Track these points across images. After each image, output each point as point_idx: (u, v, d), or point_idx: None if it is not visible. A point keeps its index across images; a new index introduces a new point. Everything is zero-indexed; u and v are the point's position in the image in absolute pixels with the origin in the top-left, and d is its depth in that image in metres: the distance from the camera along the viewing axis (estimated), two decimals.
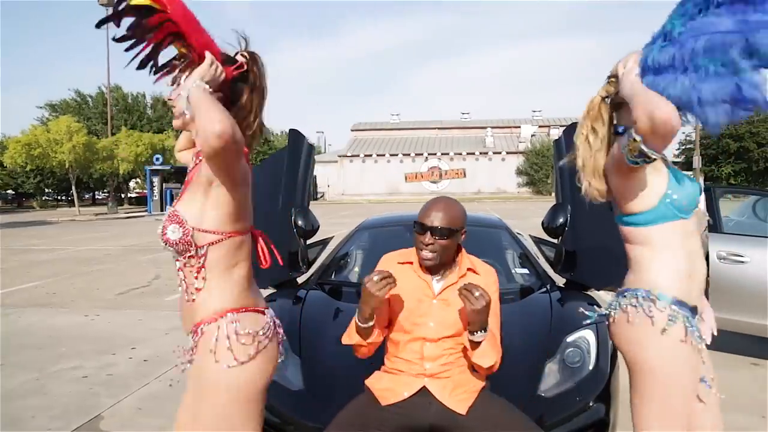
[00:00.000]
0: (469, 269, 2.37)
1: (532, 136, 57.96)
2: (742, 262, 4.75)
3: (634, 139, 1.75)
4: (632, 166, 1.85)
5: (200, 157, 1.77)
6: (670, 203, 1.93)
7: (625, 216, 2.01)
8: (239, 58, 1.91)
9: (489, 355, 2.21)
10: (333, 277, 4.13)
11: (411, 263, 2.39)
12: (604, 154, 2.03)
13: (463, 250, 2.42)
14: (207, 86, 1.73)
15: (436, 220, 2.28)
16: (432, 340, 2.28)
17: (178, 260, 1.87)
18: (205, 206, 1.80)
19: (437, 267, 2.34)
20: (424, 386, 2.26)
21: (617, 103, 2.02)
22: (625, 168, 1.90)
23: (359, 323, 2.22)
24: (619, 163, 1.91)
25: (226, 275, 1.85)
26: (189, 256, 1.83)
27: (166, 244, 1.82)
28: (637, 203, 1.96)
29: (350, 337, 2.30)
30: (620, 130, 2.00)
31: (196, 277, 1.85)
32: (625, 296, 2.00)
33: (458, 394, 2.25)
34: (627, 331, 1.97)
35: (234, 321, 1.83)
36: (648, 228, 1.96)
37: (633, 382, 1.99)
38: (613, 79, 2.02)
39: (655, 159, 1.80)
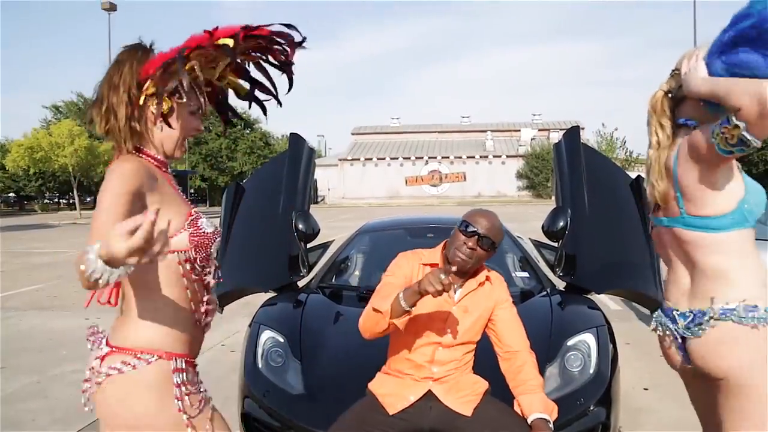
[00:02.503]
0: (487, 278, 2.38)
1: (531, 139, 57.88)
2: None
3: (736, 125, 1.60)
4: (724, 156, 1.69)
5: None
6: (748, 209, 1.80)
7: (697, 218, 1.84)
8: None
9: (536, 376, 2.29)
10: (333, 280, 4.12)
11: (436, 265, 2.35)
12: (668, 150, 1.91)
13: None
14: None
15: (486, 228, 2.27)
16: (446, 345, 2.28)
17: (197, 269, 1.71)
18: None
19: (463, 274, 2.32)
20: (430, 389, 2.26)
21: (679, 98, 1.92)
22: (713, 160, 1.73)
23: (402, 305, 2.03)
24: (704, 155, 1.74)
25: None
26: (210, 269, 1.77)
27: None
28: (713, 205, 1.81)
29: (382, 305, 2.10)
30: (685, 122, 1.90)
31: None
32: (727, 313, 1.80)
33: (462, 396, 2.26)
34: (728, 349, 1.79)
35: None
36: (724, 234, 1.82)
37: (729, 401, 1.80)
38: (677, 72, 1.92)
39: (754, 147, 1.63)
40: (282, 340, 3.09)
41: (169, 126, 1.70)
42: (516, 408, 2.22)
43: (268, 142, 59.36)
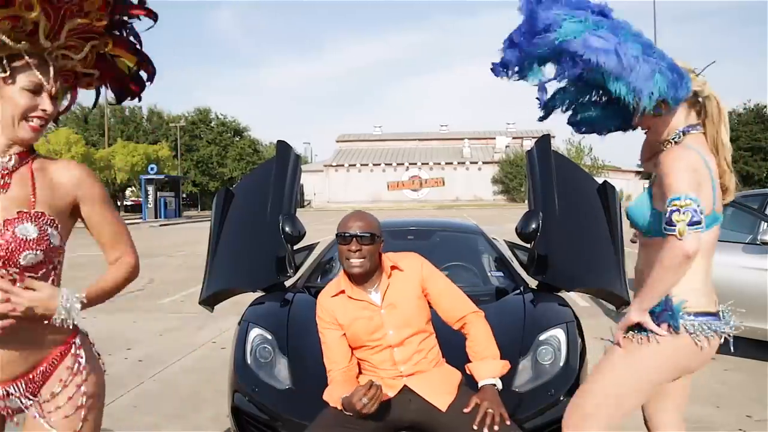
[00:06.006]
0: (392, 267, 2.37)
1: (506, 147, 58.25)
2: None
3: None
4: None
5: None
6: None
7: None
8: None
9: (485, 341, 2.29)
10: (319, 280, 4.11)
11: (343, 292, 2.36)
12: None
13: (383, 254, 2.41)
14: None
15: (358, 227, 2.29)
16: (397, 344, 2.28)
17: (24, 274, 1.46)
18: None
19: (365, 275, 2.31)
20: (405, 385, 2.26)
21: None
22: None
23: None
24: None
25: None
26: (46, 270, 1.51)
27: (34, 252, 1.45)
28: None
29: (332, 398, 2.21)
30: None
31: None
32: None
33: (439, 389, 2.25)
34: None
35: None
36: None
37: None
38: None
39: None
40: (270, 337, 3.07)
41: None
42: (468, 371, 2.26)
43: (256, 149, 59.15)
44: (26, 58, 1.48)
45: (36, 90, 1.50)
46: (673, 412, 2.10)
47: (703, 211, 1.75)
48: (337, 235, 2.33)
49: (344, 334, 2.33)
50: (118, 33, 1.65)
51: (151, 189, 35.27)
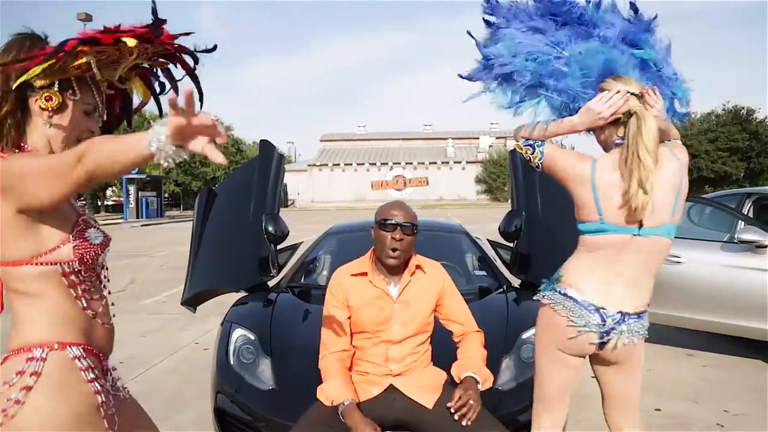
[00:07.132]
0: (417, 266, 2.40)
1: (489, 146, 58.53)
2: (679, 262, 4.89)
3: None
4: None
5: None
6: None
7: (676, 226, 1.98)
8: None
9: (479, 349, 2.36)
10: (302, 280, 4.10)
11: (365, 274, 2.38)
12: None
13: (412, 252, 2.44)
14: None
15: (402, 216, 2.30)
16: (396, 342, 2.29)
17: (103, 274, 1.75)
18: None
19: (399, 267, 2.34)
20: (392, 384, 2.27)
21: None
22: None
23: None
24: None
25: None
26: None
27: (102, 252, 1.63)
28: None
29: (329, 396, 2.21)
30: (622, 140, 1.95)
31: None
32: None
33: (424, 388, 2.27)
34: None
35: None
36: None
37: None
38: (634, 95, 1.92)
39: None
40: (253, 337, 3.06)
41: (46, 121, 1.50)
42: (453, 371, 2.29)
43: (239, 148, 58.73)
44: (89, 83, 1.55)
45: (92, 112, 1.58)
46: (621, 412, 2.15)
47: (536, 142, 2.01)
48: (378, 221, 2.33)
49: (349, 317, 2.34)
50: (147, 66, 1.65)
51: (132, 189, 34.86)
